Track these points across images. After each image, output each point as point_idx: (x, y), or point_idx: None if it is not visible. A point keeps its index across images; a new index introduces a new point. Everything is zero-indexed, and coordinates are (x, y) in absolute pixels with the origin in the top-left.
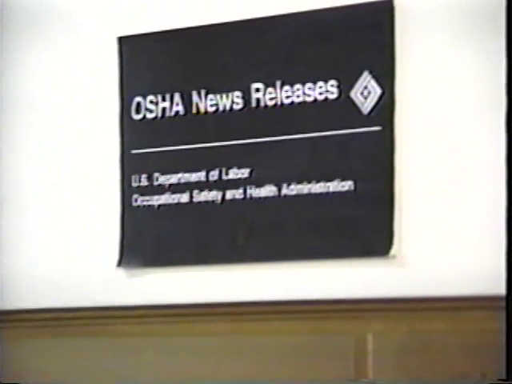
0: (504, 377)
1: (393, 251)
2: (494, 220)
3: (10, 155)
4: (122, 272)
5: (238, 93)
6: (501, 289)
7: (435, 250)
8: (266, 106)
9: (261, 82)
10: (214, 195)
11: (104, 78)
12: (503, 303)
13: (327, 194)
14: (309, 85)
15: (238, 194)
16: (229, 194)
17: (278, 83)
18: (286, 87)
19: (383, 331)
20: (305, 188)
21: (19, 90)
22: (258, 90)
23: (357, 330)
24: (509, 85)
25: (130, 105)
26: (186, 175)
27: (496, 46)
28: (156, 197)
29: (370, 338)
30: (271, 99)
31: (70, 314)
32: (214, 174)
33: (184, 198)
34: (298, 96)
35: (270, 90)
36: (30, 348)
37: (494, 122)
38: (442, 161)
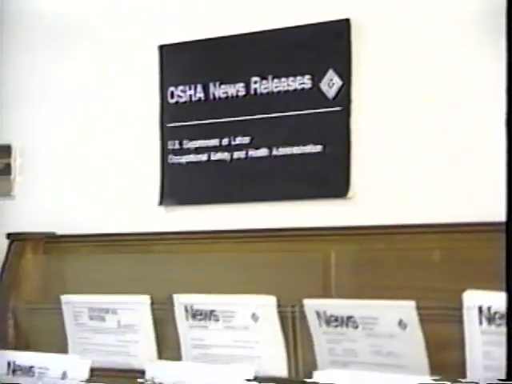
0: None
1: (350, 194)
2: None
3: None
4: (161, 209)
5: (241, 84)
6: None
7: (381, 195)
8: (261, 94)
9: (258, 76)
10: (225, 156)
11: (148, 75)
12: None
13: (304, 154)
14: (291, 78)
15: (242, 154)
16: (235, 155)
17: (270, 77)
18: (276, 80)
19: (342, 250)
20: (288, 150)
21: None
22: (255, 82)
23: (323, 248)
24: (509, 84)
25: (167, 93)
26: (205, 141)
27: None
28: (185, 156)
29: (333, 254)
30: (265, 88)
31: (121, 237)
32: (225, 141)
33: (204, 157)
34: (284, 86)
35: (264, 82)
36: (88, 263)
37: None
38: (387, 129)
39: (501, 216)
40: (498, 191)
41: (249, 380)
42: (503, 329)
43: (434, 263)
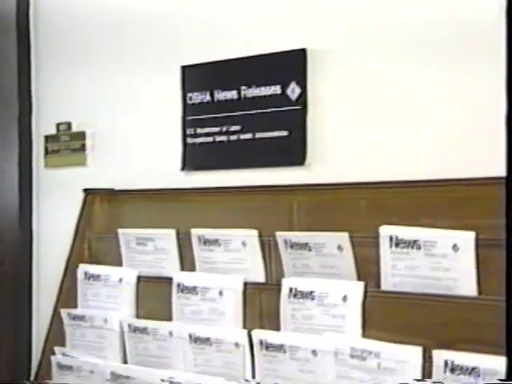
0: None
1: (306, 163)
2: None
3: None
4: (182, 173)
5: (235, 91)
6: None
7: (327, 164)
8: (247, 97)
9: (245, 85)
10: (224, 138)
11: (175, 85)
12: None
13: (276, 137)
14: (268, 87)
15: (235, 137)
16: (231, 138)
17: (254, 86)
18: (257, 88)
19: (301, 200)
20: (266, 134)
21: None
22: (244, 89)
23: (289, 199)
24: (509, 85)
25: (186, 97)
26: (211, 129)
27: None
28: (198, 139)
29: (295, 203)
30: (250, 94)
31: (157, 192)
32: (224, 129)
33: (210, 139)
34: (263, 92)
35: (249, 89)
36: (135, 208)
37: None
38: (333, 121)
39: (422, 174)
40: (425, 152)
41: (243, 284)
42: (404, 250)
43: (363, 209)
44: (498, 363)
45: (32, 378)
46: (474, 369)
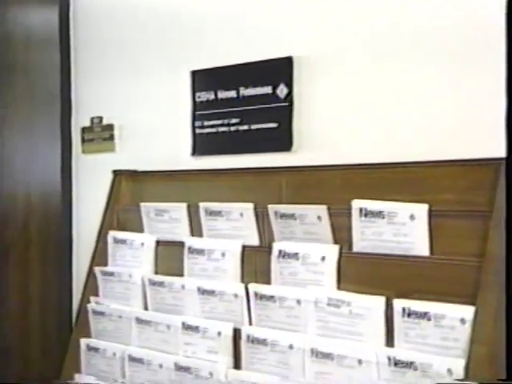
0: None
1: (292, 149)
2: None
3: None
4: (193, 158)
5: (234, 90)
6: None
7: (310, 151)
8: (245, 96)
9: (243, 86)
10: (226, 129)
11: (186, 86)
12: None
13: (268, 128)
14: (261, 87)
15: (234, 128)
16: (231, 129)
17: (250, 86)
18: (253, 88)
19: (288, 179)
20: (259, 126)
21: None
22: (242, 89)
23: (278, 179)
24: (509, 84)
25: (195, 95)
26: (216, 121)
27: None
28: (205, 129)
29: (283, 182)
30: (247, 93)
31: (172, 173)
32: (225, 121)
33: (214, 130)
34: (257, 92)
35: (246, 89)
36: (154, 186)
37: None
38: (315, 116)
39: (388, 158)
40: (391, 140)
41: (241, 247)
42: (371, 219)
43: (338, 186)
44: (445, 308)
45: (73, 321)
46: (425, 313)
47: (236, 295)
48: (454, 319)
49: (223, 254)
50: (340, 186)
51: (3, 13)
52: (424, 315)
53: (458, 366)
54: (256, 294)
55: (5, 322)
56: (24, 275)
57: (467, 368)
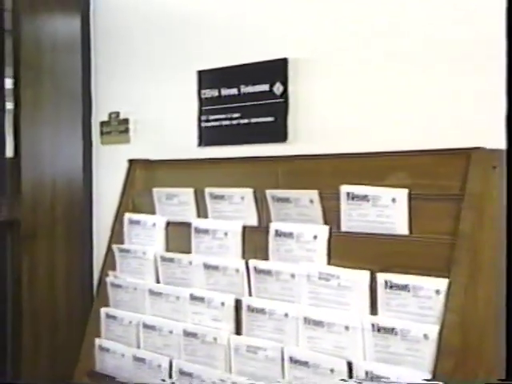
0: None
1: (287, 141)
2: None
3: None
4: (199, 148)
5: (235, 88)
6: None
7: (303, 141)
8: (245, 93)
9: (244, 84)
10: (228, 123)
11: (192, 84)
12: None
13: (265, 122)
14: (260, 85)
15: (235, 122)
16: (233, 122)
17: (249, 85)
18: (252, 86)
19: (284, 167)
20: (258, 119)
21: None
22: (243, 87)
23: (275, 166)
24: (509, 84)
25: (201, 93)
26: (219, 116)
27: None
28: (209, 123)
29: (279, 170)
30: (248, 90)
31: (181, 161)
32: (227, 116)
33: (218, 123)
34: (256, 89)
35: (247, 87)
36: (166, 174)
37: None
38: (306, 111)
39: (372, 148)
40: (386, 129)
41: (242, 227)
42: (357, 202)
43: (328, 173)
44: (422, 281)
45: (94, 292)
46: (405, 285)
47: (237, 270)
48: (430, 290)
49: (226, 234)
50: (330, 173)
51: (32, 21)
52: (404, 287)
53: (433, 332)
54: (255, 269)
55: (35, 292)
56: (51, 251)
57: (441, 333)
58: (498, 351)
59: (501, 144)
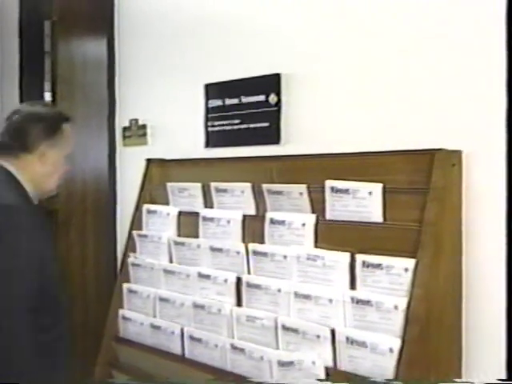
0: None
1: (281, 143)
2: None
3: None
4: (206, 149)
5: (236, 99)
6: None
7: (293, 144)
8: (245, 103)
9: (244, 95)
10: (230, 127)
11: (200, 95)
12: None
13: (261, 127)
14: (257, 96)
15: (236, 127)
16: (234, 127)
17: (248, 96)
18: (251, 97)
19: (277, 165)
20: (256, 125)
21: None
22: (243, 97)
23: (270, 164)
24: (509, 84)
25: (208, 103)
26: (222, 121)
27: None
28: (215, 127)
29: (274, 168)
30: (247, 100)
31: (191, 160)
32: (229, 122)
33: (221, 128)
34: (254, 99)
35: (247, 97)
36: (177, 171)
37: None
38: (297, 118)
39: (353, 149)
40: (364, 133)
41: (242, 216)
42: (340, 195)
43: (315, 170)
44: (393, 261)
45: (118, 271)
46: (379, 265)
47: (238, 252)
48: (400, 269)
49: (228, 221)
50: (316, 170)
51: (67, 43)
52: (378, 266)
53: (402, 304)
54: (253, 251)
55: (69, 269)
56: (82, 236)
57: (409, 305)
58: (456, 319)
59: (459, 145)
